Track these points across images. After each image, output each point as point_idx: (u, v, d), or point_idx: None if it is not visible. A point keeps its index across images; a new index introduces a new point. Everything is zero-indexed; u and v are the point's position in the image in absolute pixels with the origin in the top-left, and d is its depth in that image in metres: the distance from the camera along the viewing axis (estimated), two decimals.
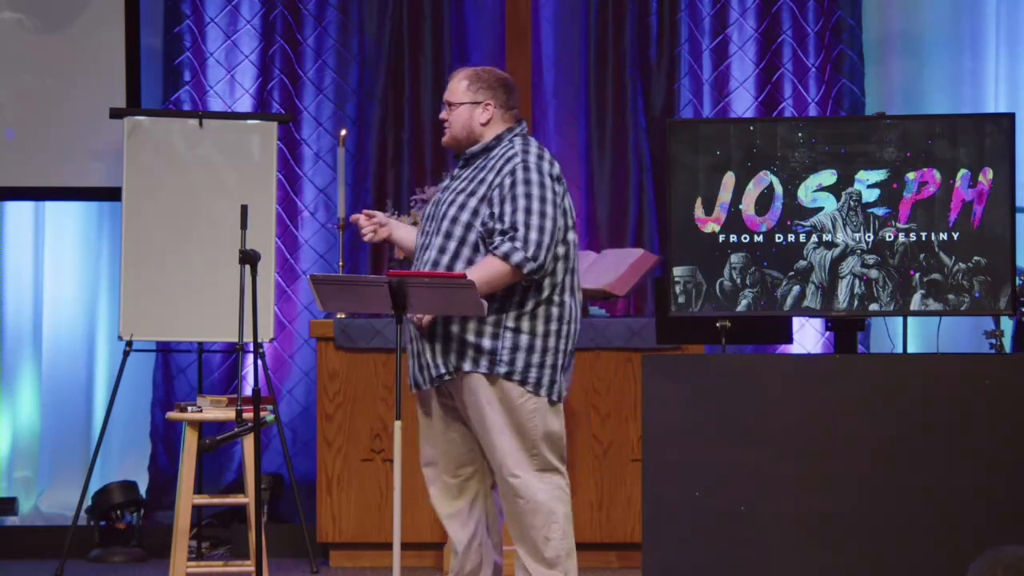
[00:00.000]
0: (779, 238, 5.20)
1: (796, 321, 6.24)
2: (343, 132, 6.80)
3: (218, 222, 6.58)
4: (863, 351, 6.65)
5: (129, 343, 6.54)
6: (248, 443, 5.41)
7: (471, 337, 4.57)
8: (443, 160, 7.16)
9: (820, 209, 5.19)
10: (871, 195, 5.17)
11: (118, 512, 6.89)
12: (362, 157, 7.32)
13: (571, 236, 4.67)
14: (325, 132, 7.36)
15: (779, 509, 5.07)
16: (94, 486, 6.81)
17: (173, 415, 5.60)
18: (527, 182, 4.58)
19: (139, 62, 7.16)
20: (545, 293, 4.61)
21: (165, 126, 6.73)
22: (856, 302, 5.17)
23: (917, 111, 7.09)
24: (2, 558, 6.80)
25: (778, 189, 5.21)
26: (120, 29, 7.13)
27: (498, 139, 4.71)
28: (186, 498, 5.49)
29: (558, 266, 4.63)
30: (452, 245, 4.60)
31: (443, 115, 4.78)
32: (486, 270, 4.51)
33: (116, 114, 6.73)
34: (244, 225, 4.88)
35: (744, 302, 5.21)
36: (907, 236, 5.15)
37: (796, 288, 5.20)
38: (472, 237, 4.60)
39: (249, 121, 6.89)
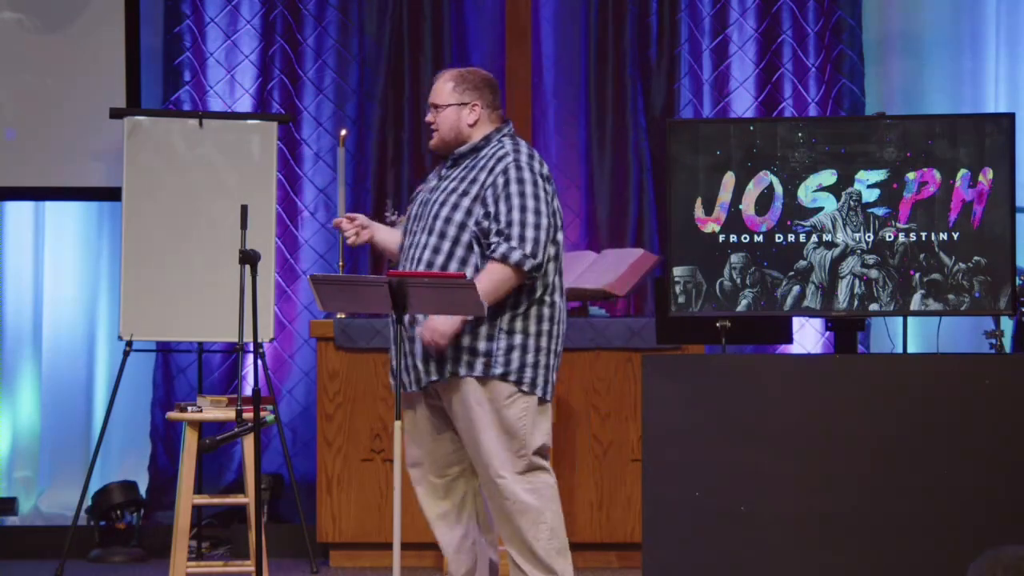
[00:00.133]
0: (779, 238, 5.20)
1: (796, 321, 6.24)
2: (343, 132, 6.80)
3: (218, 222, 6.58)
4: (863, 351, 6.65)
5: (129, 343, 6.54)
6: (248, 443, 5.41)
7: (466, 341, 4.58)
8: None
9: (820, 209, 5.19)
10: (871, 195, 5.17)
11: (118, 512, 6.89)
12: (362, 157, 7.32)
13: (560, 237, 4.68)
14: (325, 132, 7.36)
15: (779, 509, 5.07)
16: (94, 486, 6.81)
17: (173, 415, 5.60)
18: (520, 181, 4.60)
19: (139, 62, 7.16)
20: (538, 293, 4.63)
21: (165, 126, 6.73)
22: (856, 302, 5.17)
23: (917, 111, 7.09)
24: (2, 558, 6.80)
25: (778, 189, 5.21)
26: (120, 29, 7.13)
27: (487, 139, 4.72)
28: (186, 498, 5.49)
29: (549, 266, 4.64)
30: (446, 245, 4.61)
31: (429, 118, 4.77)
32: (489, 278, 4.53)
33: (116, 114, 6.73)
34: (244, 225, 4.88)
35: (744, 302, 5.21)
36: (907, 236, 5.15)
37: (796, 288, 5.20)
38: (466, 237, 4.61)
39: (249, 121, 6.89)
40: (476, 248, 4.60)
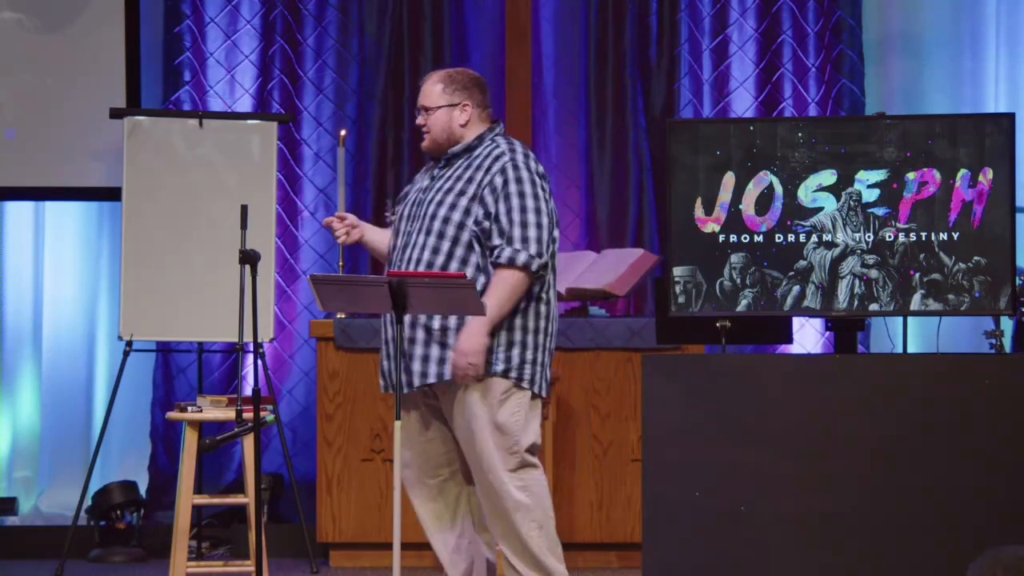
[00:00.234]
0: (779, 238, 5.20)
1: (796, 321, 6.23)
2: (343, 132, 6.80)
3: (218, 222, 6.58)
4: (863, 351, 6.65)
5: (129, 343, 6.54)
6: (248, 443, 5.41)
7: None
8: None
9: (820, 209, 5.19)
10: (871, 195, 5.17)
11: (118, 512, 6.89)
12: (362, 157, 7.32)
13: (556, 234, 4.70)
14: (325, 132, 7.36)
15: (779, 509, 5.07)
16: (94, 486, 6.81)
17: (173, 415, 5.60)
18: (519, 180, 4.61)
19: (139, 62, 7.16)
20: (536, 291, 4.65)
21: (165, 126, 6.73)
22: (856, 302, 5.17)
23: (917, 111, 7.09)
24: (2, 558, 6.80)
25: (778, 189, 5.21)
26: (120, 29, 7.13)
27: (480, 138, 4.72)
28: (186, 498, 5.49)
29: None
30: (446, 245, 4.61)
31: (420, 120, 4.76)
32: (503, 286, 4.55)
33: (116, 114, 6.73)
34: (244, 225, 4.88)
35: (744, 302, 5.21)
36: (907, 236, 5.15)
37: (796, 288, 5.19)
38: (465, 236, 4.61)
39: (249, 121, 6.89)
40: (477, 247, 4.61)
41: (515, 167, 4.63)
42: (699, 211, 5.24)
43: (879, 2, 7.39)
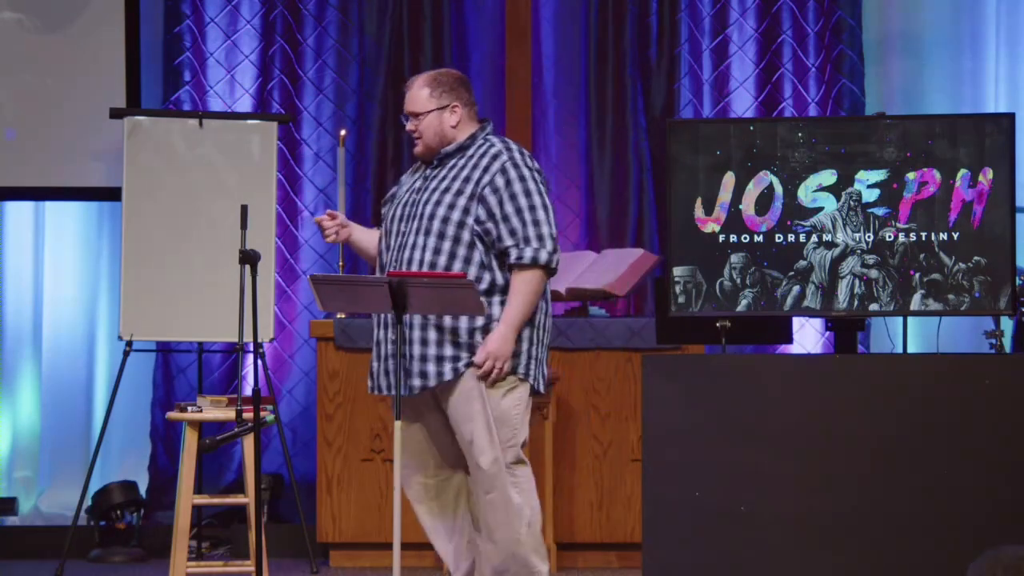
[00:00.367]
0: (779, 238, 5.20)
1: (796, 321, 6.23)
2: (343, 132, 6.80)
3: (218, 222, 6.58)
4: (863, 351, 6.65)
5: (129, 343, 6.54)
6: (248, 443, 5.41)
7: (479, 337, 4.59)
8: None
9: (820, 209, 5.19)
10: (871, 195, 5.17)
11: (118, 512, 6.89)
12: (362, 157, 7.32)
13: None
14: (325, 132, 7.36)
15: (779, 509, 5.07)
16: (94, 486, 6.81)
17: (173, 415, 5.60)
18: (522, 179, 4.63)
19: (139, 62, 7.16)
20: None
21: (165, 126, 6.73)
22: (856, 302, 5.17)
23: (917, 111, 7.09)
24: (2, 558, 6.80)
25: (778, 189, 5.21)
26: (120, 29, 7.13)
27: (472, 138, 4.72)
28: (186, 498, 5.49)
29: None
30: (447, 245, 4.61)
31: (410, 127, 4.74)
32: (525, 288, 4.58)
33: (116, 114, 6.73)
34: (244, 225, 4.88)
35: (744, 302, 5.21)
36: (907, 236, 5.15)
37: (796, 288, 5.19)
38: (466, 236, 4.61)
39: (249, 121, 6.89)
40: (479, 246, 4.61)
41: (515, 166, 4.64)
42: (699, 211, 5.24)
43: (879, 2, 7.39)
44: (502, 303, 4.61)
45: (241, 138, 6.76)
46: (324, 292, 4.52)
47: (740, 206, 5.22)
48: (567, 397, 6.44)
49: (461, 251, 4.61)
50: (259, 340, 5.36)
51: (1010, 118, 5.21)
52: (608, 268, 6.67)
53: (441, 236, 4.61)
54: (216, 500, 6.48)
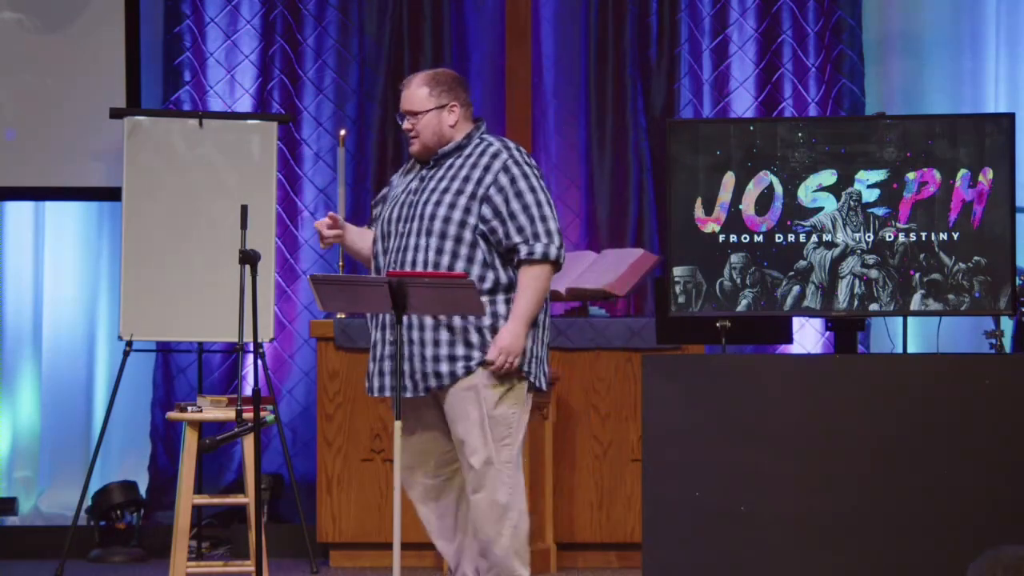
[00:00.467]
0: (779, 238, 5.20)
1: (796, 321, 6.23)
2: (343, 132, 6.80)
3: (218, 222, 6.58)
4: (863, 351, 6.65)
5: (129, 343, 6.54)
6: (248, 443, 5.41)
7: (488, 336, 4.59)
8: None
9: (820, 209, 5.19)
10: (871, 195, 5.17)
11: (118, 512, 6.88)
12: (362, 157, 7.32)
13: None
14: (325, 132, 7.36)
15: (779, 509, 5.07)
16: (94, 486, 6.81)
17: (173, 415, 5.60)
18: (525, 176, 4.64)
19: (139, 62, 7.16)
20: None
21: (165, 126, 6.73)
22: (856, 302, 5.17)
23: (917, 111, 7.09)
24: (2, 558, 6.80)
25: (778, 189, 5.21)
26: (120, 29, 7.13)
27: (468, 137, 4.72)
28: (186, 498, 5.49)
29: None
30: (449, 245, 4.60)
31: (407, 125, 4.72)
32: (535, 284, 4.59)
33: (116, 114, 6.73)
34: (244, 225, 4.88)
35: (744, 302, 5.21)
36: (907, 236, 5.15)
37: (796, 288, 5.20)
38: (468, 235, 4.61)
39: (249, 121, 6.89)
40: (483, 244, 4.61)
41: (517, 164, 4.65)
42: (699, 211, 5.24)
43: (879, 2, 7.39)
44: (507, 301, 4.61)
45: (241, 138, 6.76)
46: (324, 292, 4.51)
47: (740, 206, 5.22)
48: (567, 397, 6.44)
49: (464, 250, 4.61)
50: (259, 340, 5.36)
51: (1010, 118, 5.21)
52: (608, 268, 6.67)
53: (443, 236, 4.61)
54: (216, 500, 6.48)
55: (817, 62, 7.28)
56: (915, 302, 5.15)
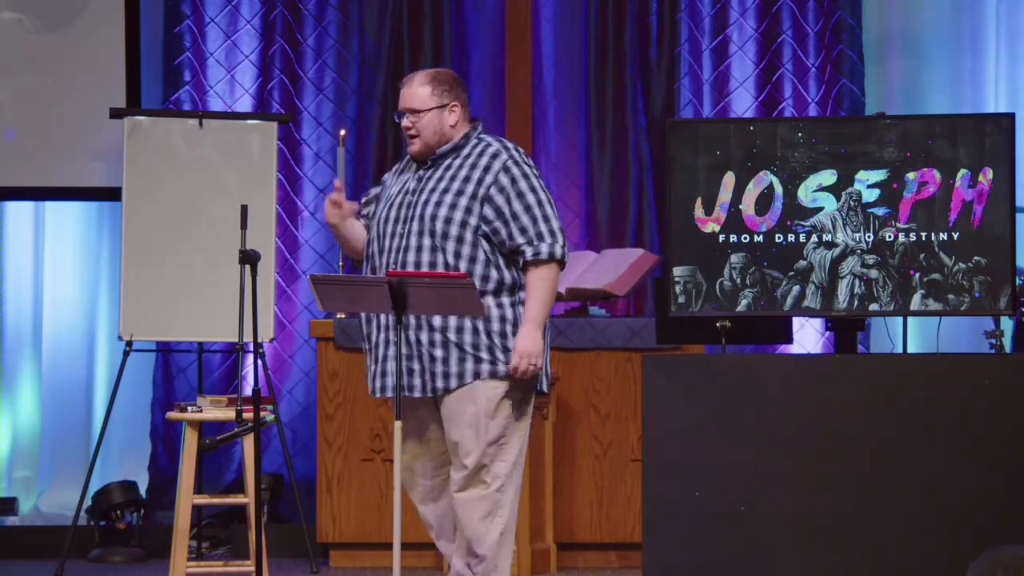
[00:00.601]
0: (779, 238, 5.20)
1: (796, 321, 6.24)
2: (343, 132, 6.80)
3: (218, 222, 6.58)
4: (863, 351, 6.65)
5: (129, 343, 6.54)
6: (248, 443, 5.41)
7: (497, 340, 4.58)
8: None
9: (820, 209, 5.19)
10: (871, 195, 5.17)
11: (118, 512, 6.89)
12: (362, 157, 7.32)
13: None
14: (325, 132, 7.36)
15: (779, 509, 5.07)
16: (94, 486, 6.81)
17: (173, 415, 5.60)
18: (526, 176, 4.64)
19: (139, 62, 7.16)
20: None
21: (165, 126, 6.73)
22: (856, 302, 5.17)
23: (917, 111, 7.09)
24: (2, 558, 6.80)
25: (778, 189, 5.21)
26: (120, 29, 7.13)
27: (466, 137, 4.71)
28: (186, 498, 5.49)
29: None
30: (450, 245, 4.60)
31: (406, 123, 4.69)
32: (544, 284, 4.60)
33: (116, 114, 6.73)
34: (244, 225, 4.88)
35: (744, 302, 5.21)
36: (907, 236, 5.15)
37: (796, 288, 5.20)
38: (469, 236, 4.60)
39: (249, 121, 6.89)
40: (485, 244, 4.60)
41: (516, 163, 4.65)
42: (699, 211, 5.24)
43: (879, 2, 7.39)
44: (511, 302, 4.61)
45: (241, 138, 6.76)
46: (324, 292, 4.51)
47: (740, 206, 5.22)
48: (567, 397, 6.44)
49: (465, 251, 4.60)
50: (259, 340, 5.36)
51: (1010, 118, 5.21)
52: (608, 268, 6.67)
53: (444, 236, 4.60)
54: (216, 500, 6.48)
55: (817, 62, 7.28)
56: (915, 302, 5.15)
